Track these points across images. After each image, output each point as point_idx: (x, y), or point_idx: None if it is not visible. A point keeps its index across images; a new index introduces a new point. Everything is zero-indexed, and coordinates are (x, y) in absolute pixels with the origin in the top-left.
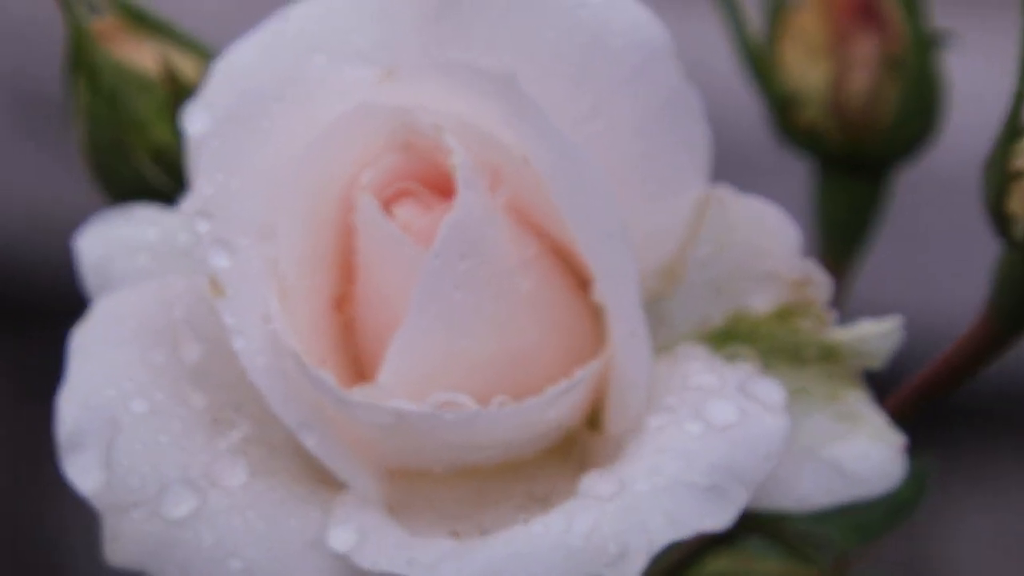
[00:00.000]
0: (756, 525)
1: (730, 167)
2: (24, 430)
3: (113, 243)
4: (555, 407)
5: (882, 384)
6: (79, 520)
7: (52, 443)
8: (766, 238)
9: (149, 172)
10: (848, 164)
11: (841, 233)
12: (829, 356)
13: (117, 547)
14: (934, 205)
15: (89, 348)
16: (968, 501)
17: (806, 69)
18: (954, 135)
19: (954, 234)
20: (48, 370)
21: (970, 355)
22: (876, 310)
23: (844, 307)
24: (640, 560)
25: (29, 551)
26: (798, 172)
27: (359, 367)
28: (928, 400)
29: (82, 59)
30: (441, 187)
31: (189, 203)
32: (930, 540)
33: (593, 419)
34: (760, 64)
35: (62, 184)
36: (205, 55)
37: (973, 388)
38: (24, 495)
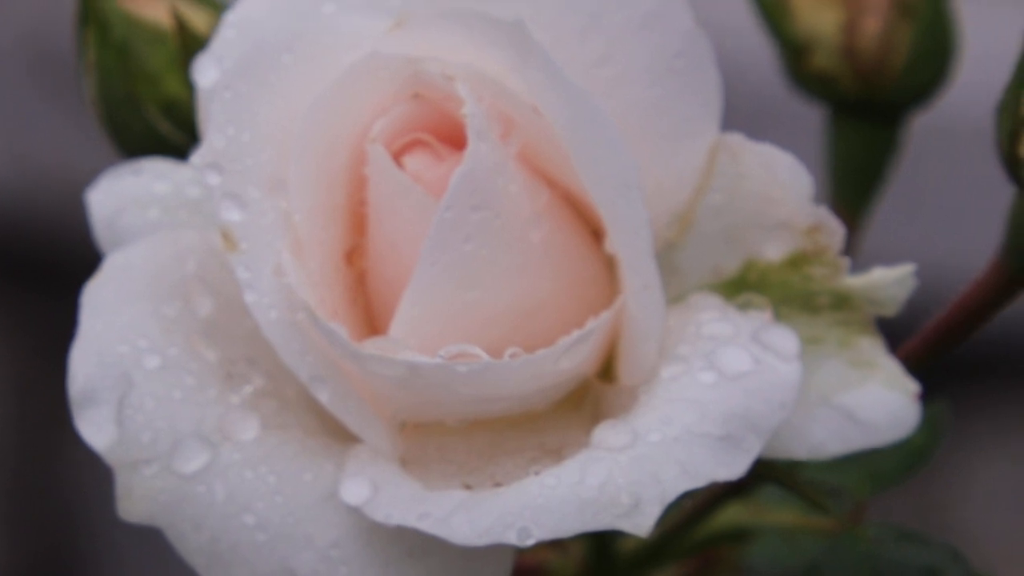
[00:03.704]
0: (770, 475)
1: (741, 115)
2: (39, 390)
3: (124, 197)
4: (567, 358)
5: (894, 333)
6: (93, 478)
7: (66, 402)
8: (778, 186)
9: (160, 125)
10: (860, 110)
11: (854, 180)
12: (842, 304)
13: (130, 503)
14: (946, 152)
15: (101, 303)
16: (980, 452)
17: (817, 14)
18: (966, 80)
19: (966, 181)
20: (63, 329)
21: (983, 301)
22: (888, 259)
23: (856, 255)
24: (654, 511)
25: (43, 509)
26: (810, 119)
27: (371, 320)
28: (942, 348)
29: (92, 12)
30: (452, 137)
31: (200, 156)
32: (942, 491)
33: (606, 370)
34: (771, 9)
35: (76, 143)
36: (216, 7)
37: (984, 339)
38: (39, 454)
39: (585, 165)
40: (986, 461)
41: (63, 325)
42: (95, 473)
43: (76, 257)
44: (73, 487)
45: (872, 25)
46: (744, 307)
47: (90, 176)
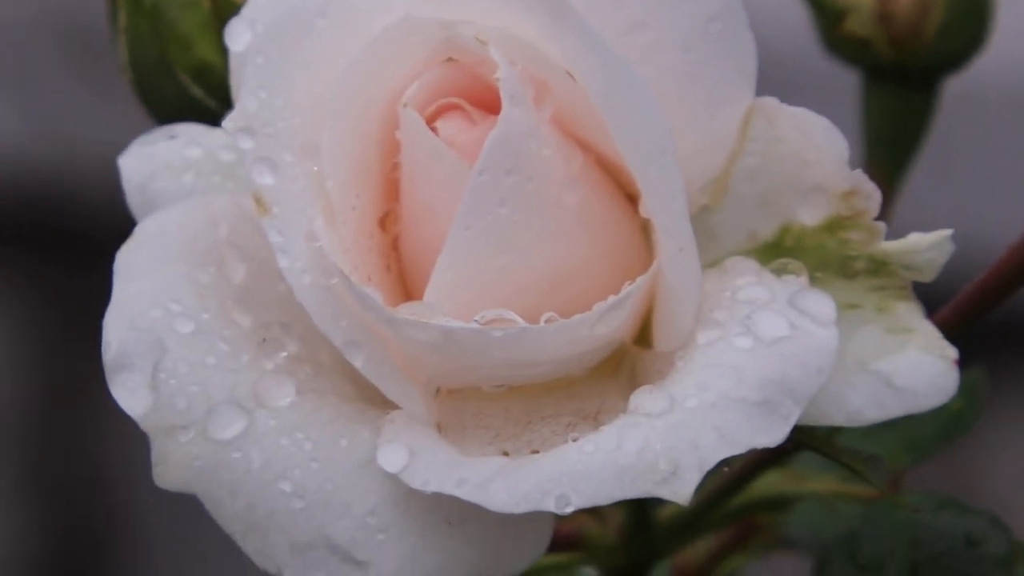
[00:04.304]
0: (808, 442)
1: (773, 82)
2: (67, 364)
3: (156, 162)
4: (603, 323)
5: (926, 302)
6: (119, 453)
7: (93, 375)
8: (813, 149)
9: (192, 90)
10: (895, 75)
11: (889, 145)
12: (879, 269)
13: (165, 470)
14: (980, 120)
15: (133, 268)
16: (1012, 424)
17: None
18: (1001, 49)
19: (1000, 149)
20: (89, 301)
21: (1016, 268)
22: (921, 226)
23: (891, 222)
24: (693, 477)
25: (69, 484)
26: (842, 89)
27: (405, 286)
28: (975, 315)
29: None
30: (486, 102)
31: (232, 120)
32: (971, 462)
33: (643, 335)
34: None
35: (101, 114)
36: None
37: (1017, 308)
38: (65, 427)
39: (619, 130)
40: (1018, 431)
41: (89, 298)
42: (122, 448)
43: (101, 229)
44: (99, 461)
45: None
46: (780, 272)
47: (115, 147)
